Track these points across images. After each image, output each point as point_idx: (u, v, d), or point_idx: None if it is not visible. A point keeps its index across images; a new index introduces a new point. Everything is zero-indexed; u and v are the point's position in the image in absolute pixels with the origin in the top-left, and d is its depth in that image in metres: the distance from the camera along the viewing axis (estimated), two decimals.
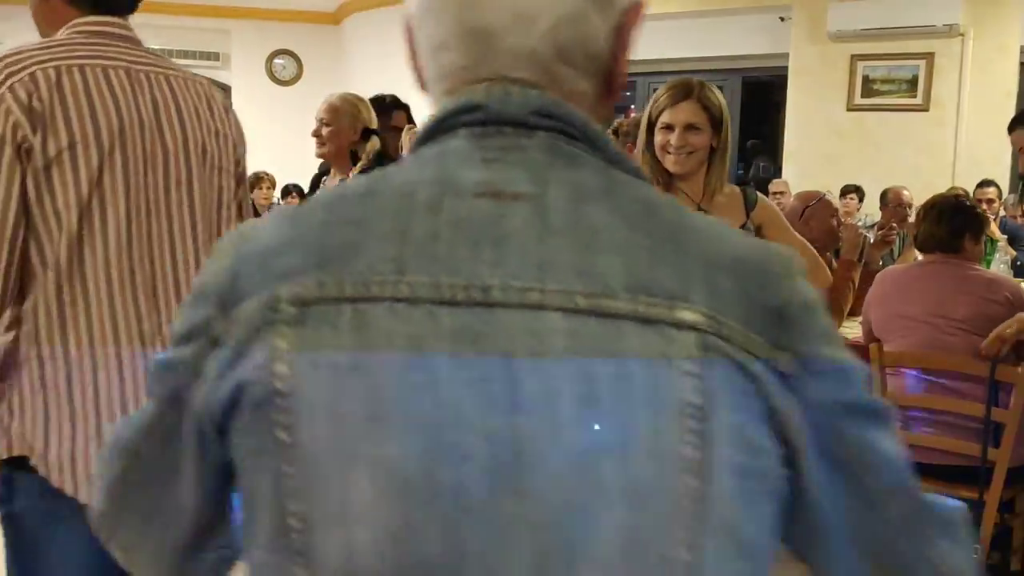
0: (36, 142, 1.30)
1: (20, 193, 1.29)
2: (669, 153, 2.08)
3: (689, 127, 2.05)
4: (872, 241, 3.21)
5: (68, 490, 1.38)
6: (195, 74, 1.58)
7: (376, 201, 0.55)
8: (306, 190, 4.87)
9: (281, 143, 8.18)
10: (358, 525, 0.51)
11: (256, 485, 0.55)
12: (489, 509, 0.50)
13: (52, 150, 1.31)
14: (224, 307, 0.55)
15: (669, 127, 2.06)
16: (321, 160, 4.71)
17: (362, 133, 2.82)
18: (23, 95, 1.29)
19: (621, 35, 0.60)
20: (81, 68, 1.37)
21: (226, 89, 8.76)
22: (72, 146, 1.33)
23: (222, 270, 0.57)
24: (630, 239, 0.53)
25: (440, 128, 0.59)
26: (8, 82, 1.30)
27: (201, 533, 0.64)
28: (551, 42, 0.57)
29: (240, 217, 1.63)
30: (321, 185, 2.92)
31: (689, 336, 0.51)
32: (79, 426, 1.38)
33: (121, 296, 1.40)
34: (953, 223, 2.56)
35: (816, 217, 2.93)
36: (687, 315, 0.51)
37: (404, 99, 3.56)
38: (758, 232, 2.11)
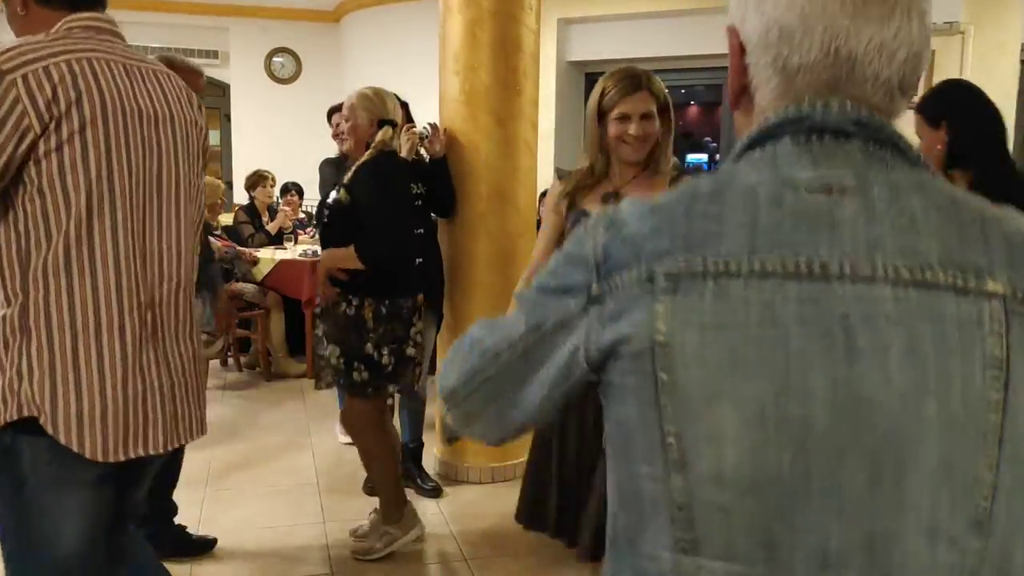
0: (51, 127, 1.38)
1: (5, 164, 1.37)
2: (626, 143, 2.11)
3: (644, 116, 2.10)
4: None
5: (75, 448, 1.44)
6: (165, 68, 1.66)
7: (727, 199, 0.70)
8: (315, 185, 4.84)
9: (280, 141, 8.19)
10: (726, 444, 0.66)
11: (631, 413, 0.71)
12: (831, 435, 0.64)
13: (65, 132, 1.40)
14: (599, 274, 0.72)
15: (625, 117, 2.10)
16: (323, 158, 4.72)
17: (378, 124, 2.87)
18: (34, 85, 1.37)
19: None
20: (89, 60, 1.45)
21: (224, 87, 8.76)
22: (83, 129, 1.42)
23: (599, 246, 0.73)
24: (942, 225, 0.67)
25: (766, 136, 0.73)
26: (23, 70, 1.37)
27: (531, 419, 0.83)
28: (902, 73, 0.71)
29: (196, 199, 1.71)
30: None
31: (994, 303, 0.65)
32: (84, 387, 1.45)
33: (125, 265, 1.49)
34: None
35: None
36: (993, 286, 0.65)
37: (402, 97, 3.55)
38: None
